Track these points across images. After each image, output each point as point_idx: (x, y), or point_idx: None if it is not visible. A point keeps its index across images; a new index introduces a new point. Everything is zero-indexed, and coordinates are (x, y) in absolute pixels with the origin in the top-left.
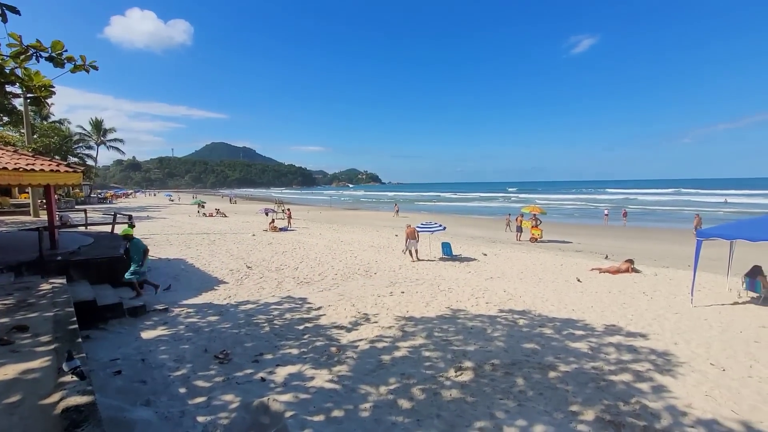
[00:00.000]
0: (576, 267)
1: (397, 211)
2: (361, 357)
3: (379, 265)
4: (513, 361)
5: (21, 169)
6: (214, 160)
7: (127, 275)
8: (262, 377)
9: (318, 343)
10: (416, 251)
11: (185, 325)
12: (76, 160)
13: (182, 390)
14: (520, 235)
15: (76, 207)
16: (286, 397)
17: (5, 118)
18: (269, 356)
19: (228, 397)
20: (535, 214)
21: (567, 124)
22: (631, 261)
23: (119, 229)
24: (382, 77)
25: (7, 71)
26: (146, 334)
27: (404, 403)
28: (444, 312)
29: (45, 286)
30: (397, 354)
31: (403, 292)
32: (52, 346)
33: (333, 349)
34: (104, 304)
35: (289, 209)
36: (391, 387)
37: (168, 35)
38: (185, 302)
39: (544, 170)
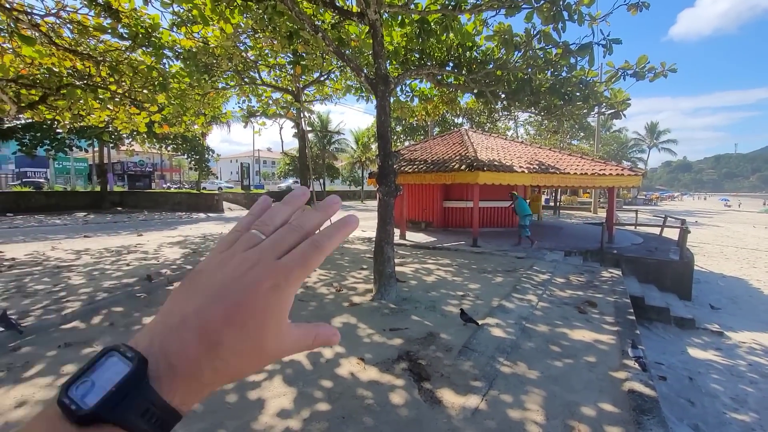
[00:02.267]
0: None
1: None
2: None
3: None
4: None
5: (596, 174)
6: None
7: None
8: None
9: None
10: None
11: (747, 362)
12: (628, 164)
13: None
14: None
15: (624, 207)
16: None
17: (581, 134)
18: None
19: None
20: None
21: None
22: None
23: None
24: None
25: (599, 94)
26: (693, 352)
27: None
28: None
29: (605, 274)
30: None
31: None
32: (615, 328)
33: None
34: (651, 304)
35: None
36: None
37: (747, 6)
38: (746, 333)
39: None
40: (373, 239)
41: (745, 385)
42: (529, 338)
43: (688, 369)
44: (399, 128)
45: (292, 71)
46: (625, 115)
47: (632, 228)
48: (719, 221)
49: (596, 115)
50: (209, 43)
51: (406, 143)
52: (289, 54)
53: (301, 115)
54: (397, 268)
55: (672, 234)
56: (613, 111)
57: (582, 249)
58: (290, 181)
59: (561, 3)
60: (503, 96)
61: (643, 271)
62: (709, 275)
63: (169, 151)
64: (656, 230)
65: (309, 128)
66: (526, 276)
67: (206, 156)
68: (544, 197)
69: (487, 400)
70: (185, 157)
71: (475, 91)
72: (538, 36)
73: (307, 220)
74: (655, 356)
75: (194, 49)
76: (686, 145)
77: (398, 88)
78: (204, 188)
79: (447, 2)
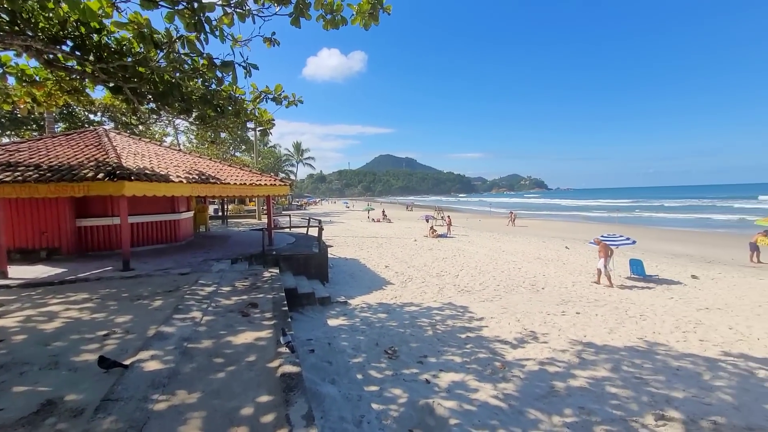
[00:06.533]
0: None
1: (514, 219)
2: (530, 378)
3: (548, 280)
4: (749, 425)
5: (254, 184)
6: (381, 171)
7: None
8: (426, 379)
9: (481, 355)
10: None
11: (360, 319)
12: (283, 175)
13: (359, 376)
14: (757, 256)
15: (283, 212)
16: (450, 404)
17: (243, 146)
18: (433, 360)
19: (397, 391)
20: None
21: None
22: None
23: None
24: (543, 70)
25: (248, 111)
26: (331, 322)
27: None
28: (635, 343)
29: (266, 274)
30: (574, 383)
31: (578, 313)
32: (273, 322)
33: (498, 364)
34: (302, 292)
35: (449, 216)
36: (567, 419)
37: (348, 66)
38: (360, 298)
39: None
40: None
41: (359, 335)
42: (190, 360)
43: (327, 336)
44: None
45: None
46: (271, 133)
47: (288, 230)
48: (344, 219)
49: (252, 130)
50: None
51: (4, 139)
52: None
53: None
54: None
55: (314, 231)
56: (261, 128)
57: (247, 254)
58: None
59: (201, 15)
60: (150, 97)
61: (296, 266)
62: (338, 260)
63: None
64: (304, 230)
65: None
66: (190, 292)
67: None
68: (212, 207)
69: None
70: None
71: (111, 85)
72: (182, 41)
73: None
74: (307, 334)
75: None
76: (321, 161)
77: None
78: None
79: None
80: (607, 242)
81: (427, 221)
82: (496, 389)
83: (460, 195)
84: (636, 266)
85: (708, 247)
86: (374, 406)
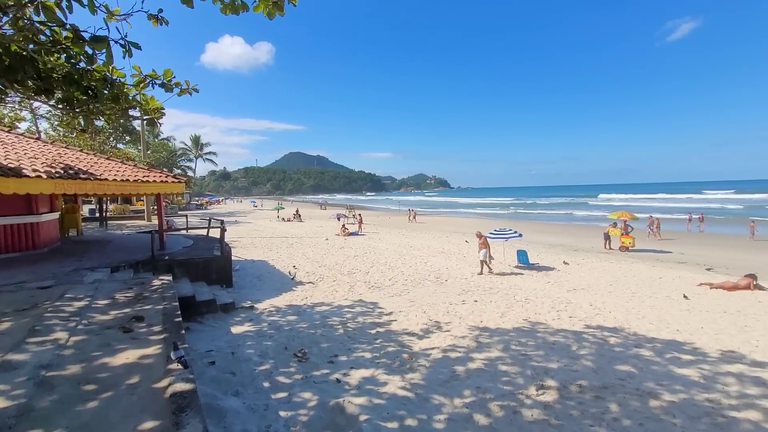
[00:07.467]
0: (679, 281)
1: (414, 216)
2: (434, 366)
3: (450, 272)
4: (604, 384)
5: (139, 181)
6: (292, 169)
7: None
8: (337, 378)
9: (390, 349)
10: (489, 262)
11: (268, 323)
12: (179, 171)
13: (266, 384)
14: (609, 244)
15: (179, 213)
16: (361, 401)
17: (127, 137)
18: (344, 358)
19: (306, 395)
20: (625, 221)
21: (667, 122)
22: (753, 276)
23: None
24: (446, 79)
25: (130, 97)
26: (235, 329)
27: (481, 419)
28: (521, 324)
29: (156, 282)
30: (472, 366)
31: (476, 301)
32: (162, 336)
33: (405, 356)
34: (201, 299)
35: (360, 214)
36: (467, 400)
37: (254, 56)
38: (268, 301)
39: (635, 172)
40: None
41: (267, 341)
42: (50, 391)
43: (231, 346)
44: None
45: None
46: (161, 123)
47: (185, 232)
48: (251, 218)
49: (139, 120)
50: None
51: None
52: None
53: None
54: None
55: (216, 233)
56: (148, 117)
57: (132, 261)
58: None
59: None
60: None
61: (194, 271)
62: (244, 262)
63: None
64: (205, 231)
65: None
66: (53, 309)
67: None
68: (88, 207)
69: None
70: None
71: None
72: (36, 6)
73: None
74: (207, 345)
75: None
76: (225, 157)
77: None
78: None
79: None
80: (498, 236)
81: (339, 220)
82: (404, 380)
83: (370, 193)
84: (522, 256)
85: (574, 237)
86: (282, 413)
